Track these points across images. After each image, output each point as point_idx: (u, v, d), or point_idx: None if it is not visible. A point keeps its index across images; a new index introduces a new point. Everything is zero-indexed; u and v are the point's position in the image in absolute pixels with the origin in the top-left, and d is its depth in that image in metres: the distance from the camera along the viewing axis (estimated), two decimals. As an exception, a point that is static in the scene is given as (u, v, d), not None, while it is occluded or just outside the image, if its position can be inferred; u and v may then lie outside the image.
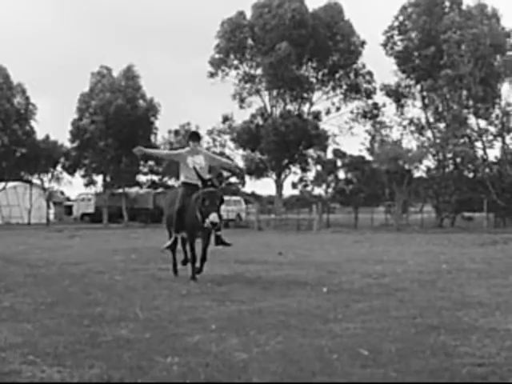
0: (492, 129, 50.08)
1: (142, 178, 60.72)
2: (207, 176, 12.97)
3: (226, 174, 53.40)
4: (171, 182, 59.85)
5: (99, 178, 57.89)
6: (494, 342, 7.14)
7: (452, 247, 23.44)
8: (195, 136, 14.27)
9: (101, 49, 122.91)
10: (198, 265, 12.99)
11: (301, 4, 54.09)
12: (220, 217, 12.40)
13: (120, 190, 58.34)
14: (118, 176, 56.34)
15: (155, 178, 60.54)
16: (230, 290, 11.42)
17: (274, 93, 56.59)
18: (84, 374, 5.95)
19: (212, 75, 57.16)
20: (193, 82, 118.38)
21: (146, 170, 59.17)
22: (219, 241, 13.49)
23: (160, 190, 61.34)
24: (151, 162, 57.79)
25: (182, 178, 13.61)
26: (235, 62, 57.23)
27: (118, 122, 52.94)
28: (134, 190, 61.94)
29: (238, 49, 56.07)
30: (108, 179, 57.51)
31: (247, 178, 61.24)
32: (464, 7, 51.33)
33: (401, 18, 52.77)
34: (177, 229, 13.25)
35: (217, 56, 56.54)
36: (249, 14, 56.12)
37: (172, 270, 13.85)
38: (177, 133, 58.69)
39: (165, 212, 14.54)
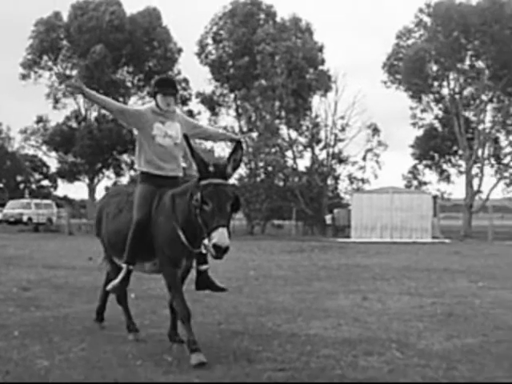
0: (302, 139, 51.61)
1: None
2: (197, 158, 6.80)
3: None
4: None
5: None
6: (295, 347, 7.38)
7: (261, 254, 23.89)
8: (169, 85, 7.95)
9: None
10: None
11: (119, 7, 53.64)
12: (229, 234, 6.49)
13: None
14: None
15: None
16: (35, 296, 11.20)
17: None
18: None
19: (24, 77, 55.57)
20: (5, 82, 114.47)
21: None
22: (206, 282, 7.66)
23: None
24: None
25: (142, 164, 7.75)
26: (49, 63, 55.95)
27: None
28: None
29: (52, 49, 54.80)
30: None
31: (59, 181, 60.03)
32: (279, 20, 52.69)
33: (215, 28, 53.46)
34: (131, 256, 7.41)
35: (29, 57, 54.99)
36: (66, 15, 55.05)
37: (126, 329, 8.18)
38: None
39: (101, 228, 8.28)
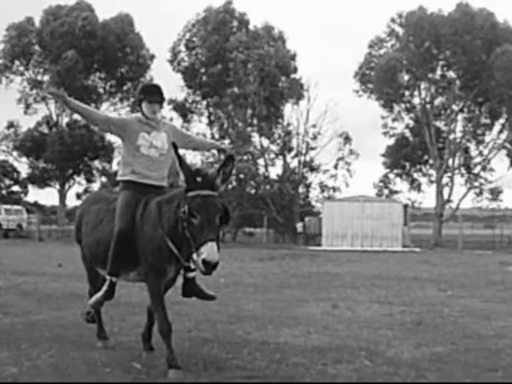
0: (274, 147, 51.74)
1: None
2: (182, 168, 6.49)
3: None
4: None
5: None
6: (265, 355, 7.37)
7: (232, 262, 23.82)
8: (155, 93, 7.62)
9: None
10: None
11: (91, 13, 53.46)
12: (219, 248, 6.22)
13: None
14: None
15: None
16: (4, 302, 11.12)
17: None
18: None
19: (-5, 82, 55.36)
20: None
21: None
22: (194, 289, 7.34)
23: None
24: None
25: (127, 173, 7.37)
26: (21, 68, 55.65)
27: None
28: None
29: (24, 55, 54.52)
30: None
31: (30, 186, 59.75)
32: (252, 28, 52.79)
33: (188, 35, 53.40)
34: (115, 268, 7.02)
35: (1, 61, 54.71)
36: (38, 20, 54.78)
37: (96, 336, 8.01)
38: None
39: (82, 238, 7.77)
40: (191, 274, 7.15)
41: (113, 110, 57.33)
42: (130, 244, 6.87)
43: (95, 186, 58.69)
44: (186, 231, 6.24)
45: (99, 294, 7.08)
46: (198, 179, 6.37)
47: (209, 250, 5.99)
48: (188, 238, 6.23)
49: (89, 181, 58.25)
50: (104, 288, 7.04)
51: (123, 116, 7.81)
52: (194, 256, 6.12)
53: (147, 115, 7.36)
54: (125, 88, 57.00)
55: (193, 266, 6.44)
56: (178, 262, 6.77)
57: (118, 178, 7.50)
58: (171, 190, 7.24)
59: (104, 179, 58.17)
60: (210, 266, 5.99)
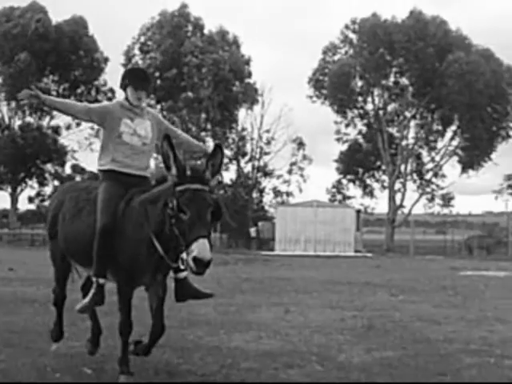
0: (228, 152, 51.70)
1: None
2: (170, 160, 5.99)
3: None
4: None
5: None
6: (216, 360, 7.38)
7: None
8: (142, 79, 7.12)
9: None
10: (144, 341, 7.01)
11: (44, 15, 52.92)
12: (211, 246, 5.74)
13: None
14: None
15: None
16: (-47, 308, 10.97)
17: (13, 104, 54.84)
18: None
19: None
20: None
21: None
22: (188, 290, 6.89)
23: None
24: None
25: (107, 162, 6.82)
26: (-28, 70, 54.94)
27: None
28: None
29: (-24, 56, 53.83)
30: None
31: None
32: (206, 32, 52.71)
33: (142, 39, 53.17)
34: (100, 268, 6.44)
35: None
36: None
37: (86, 346, 7.58)
38: None
39: (58, 230, 7.13)
40: (182, 274, 6.65)
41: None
42: (114, 244, 6.34)
43: (48, 190, 58.10)
44: (175, 228, 5.77)
45: (87, 299, 6.58)
46: (188, 173, 5.92)
47: (200, 247, 5.52)
48: (177, 235, 5.76)
49: (41, 184, 57.60)
50: (92, 291, 6.50)
51: (104, 103, 7.48)
52: (184, 255, 5.67)
53: (132, 102, 6.87)
54: (78, 91, 56.40)
55: (182, 267, 6.01)
56: (161, 267, 6.34)
57: (98, 167, 6.94)
58: (157, 179, 6.57)
59: (56, 183, 57.58)
60: (201, 264, 5.52)
